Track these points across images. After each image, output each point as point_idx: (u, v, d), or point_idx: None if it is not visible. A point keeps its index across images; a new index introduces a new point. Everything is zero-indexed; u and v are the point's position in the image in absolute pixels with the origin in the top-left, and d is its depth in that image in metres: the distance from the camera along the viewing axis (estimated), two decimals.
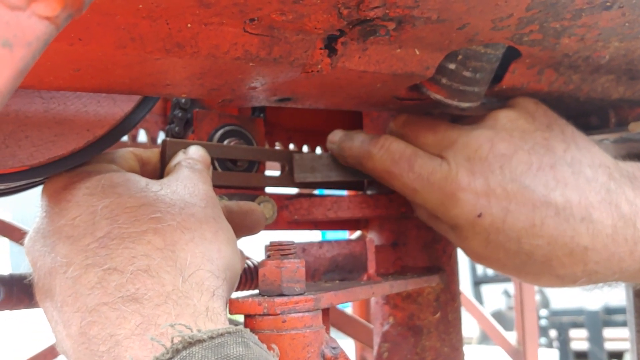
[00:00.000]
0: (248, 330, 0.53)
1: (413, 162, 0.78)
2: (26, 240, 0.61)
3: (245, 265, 0.87)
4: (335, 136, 0.86)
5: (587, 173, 0.76)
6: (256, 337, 0.53)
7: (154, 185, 0.61)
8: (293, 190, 0.94)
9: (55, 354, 1.65)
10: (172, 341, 0.48)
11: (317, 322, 0.60)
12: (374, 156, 0.80)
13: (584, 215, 0.74)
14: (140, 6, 0.51)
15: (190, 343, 0.48)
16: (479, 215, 0.76)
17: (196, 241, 0.57)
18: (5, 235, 1.67)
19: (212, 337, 0.49)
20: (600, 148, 0.80)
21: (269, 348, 0.55)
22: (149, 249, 0.54)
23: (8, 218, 1.70)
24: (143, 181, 0.61)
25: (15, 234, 1.66)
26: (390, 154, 0.79)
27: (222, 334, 0.49)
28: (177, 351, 0.47)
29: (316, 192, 1.11)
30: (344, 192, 1.13)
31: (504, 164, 0.76)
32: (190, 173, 0.66)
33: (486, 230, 0.76)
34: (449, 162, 0.77)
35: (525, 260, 0.76)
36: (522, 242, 0.75)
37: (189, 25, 0.55)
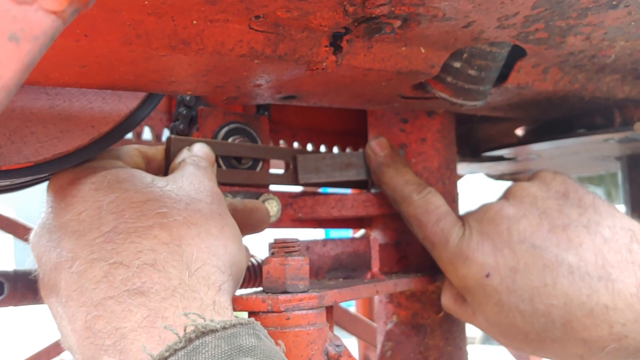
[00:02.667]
0: (258, 323, 0.53)
1: (442, 218, 0.81)
2: (31, 235, 0.61)
3: (249, 263, 0.87)
4: (382, 151, 0.87)
5: (605, 234, 0.75)
6: (265, 330, 0.54)
7: (160, 181, 0.61)
8: (297, 188, 0.94)
9: (59, 351, 1.66)
10: (185, 330, 0.48)
11: (321, 320, 0.60)
12: (413, 202, 0.83)
13: (601, 274, 0.73)
14: (146, 3, 0.51)
15: (203, 332, 0.48)
16: (487, 275, 0.77)
17: (202, 236, 0.57)
18: (9, 231, 1.68)
19: (225, 328, 0.49)
20: (626, 215, 0.79)
21: (275, 344, 0.55)
22: (155, 243, 0.54)
23: (12, 214, 1.71)
24: (149, 177, 0.62)
25: (19, 230, 1.67)
26: (426, 204, 0.82)
27: (234, 325, 0.50)
28: (190, 340, 0.47)
29: (320, 190, 1.11)
30: (348, 191, 1.13)
31: (511, 226, 0.78)
32: (196, 170, 0.66)
33: (497, 290, 0.76)
34: (464, 226, 0.81)
35: (545, 323, 0.75)
36: (536, 301, 0.74)
37: (194, 22, 0.55)
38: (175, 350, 0.47)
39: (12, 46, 0.27)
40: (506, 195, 0.83)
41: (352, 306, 2.06)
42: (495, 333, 0.81)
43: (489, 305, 0.78)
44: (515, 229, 0.77)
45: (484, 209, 0.81)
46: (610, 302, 0.72)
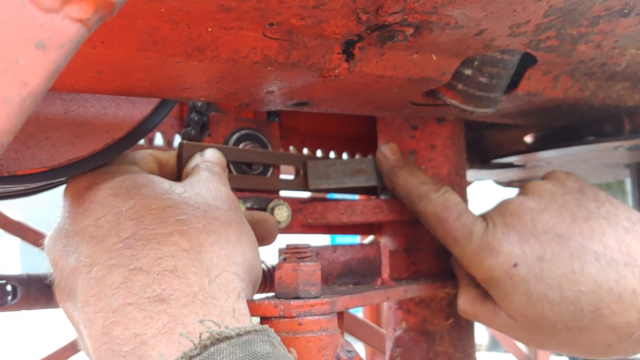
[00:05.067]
0: (272, 330, 0.53)
1: (463, 213, 0.82)
2: (46, 240, 0.61)
3: None
4: (393, 155, 0.88)
5: (625, 224, 0.78)
6: (279, 337, 0.54)
7: (178, 188, 0.62)
8: (307, 194, 0.94)
9: (67, 355, 1.66)
10: (200, 337, 0.48)
11: (332, 325, 0.60)
12: (432, 200, 0.83)
13: (627, 261, 0.75)
14: (162, 10, 0.51)
15: (218, 339, 0.48)
16: (515, 265, 0.77)
17: (221, 244, 0.57)
18: (16, 234, 1.68)
19: (239, 334, 0.49)
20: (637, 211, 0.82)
21: (288, 351, 0.55)
22: (175, 250, 0.55)
23: (19, 218, 1.71)
24: (166, 183, 0.62)
25: (26, 233, 1.67)
26: (445, 201, 0.83)
27: (249, 332, 0.50)
28: (205, 347, 0.47)
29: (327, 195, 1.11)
30: (357, 197, 1.13)
31: (535, 217, 0.79)
32: (211, 176, 0.66)
33: (524, 280, 0.77)
34: (487, 219, 0.82)
35: (573, 311, 0.76)
36: (564, 289, 0.75)
37: (209, 29, 0.55)
38: (191, 357, 0.47)
39: (39, 53, 0.27)
40: (523, 192, 0.84)
41: (359, 312, 2.06)
42: (520, 328, 0.81)
43: (516, 296, 0.78)
44: (539, 220, 0.79)
45: (505, 203, 0.83)
46: (638, 287, 0.73)
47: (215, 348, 0.48)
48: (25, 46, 0.27)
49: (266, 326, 0.53)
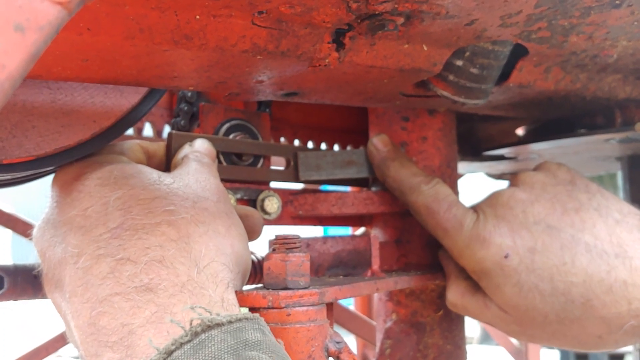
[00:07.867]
0: (262, 318, 0.53)
1: (453, 205, 0.82)
2: (35, 230, 0.61)
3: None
4: (384, 146, 0.87)
5: (616, 216, 0.78)
6: (268, 326, 0.54)
7: (166, 178, 0.61)
8: (298, 186, 0.94)
9: (57, 347, 1.66)
10: (190, 324, 0.48)
11: (321, 316, 0.60)
12: (423, 192, 0.83)
13: (617, 252, 0.75)
14: None
15: (209, 326, 0.48)
16: (506, 256, 0.77)
17: (210, 234, 0.57)
18: (7, 226, 1.68)
19: (230, 322, 0.49)
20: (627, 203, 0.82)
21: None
22: (163, 240, 0.54)
23: (11, 210, 1.70)
24: (155, 174, 0.61)
25: (17, 225, 1.66)
26: (436, 193, 0.83)
27: (240, 319, 0.50)
28: (196, 334, 0.47)
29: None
30: (348, 188, 1.13)
31: (526, 209, 0.79)
32: (200, 166, 0.66)
33: (516, 271, 0.77)
34: (478, 211, 0.82)
35: (564, 302, 0.76)
36: (555, 280, 0.75)
37: (197, 17, 0.55)
38: (182, 344, 0.47)
39: (18, 36, 0.27)
40: (515, 183, 0.84)
41: (351, 305, 2.06)
42: (511, 321, 0.81)
43: (507, 287, 0.78)
44: (530, 211, 0.79)
45: (495, 195, 0.83)
46: (628, 278, 0.73)
47: (207, 335, 0.47)
48: (2, 28, 0.26)
49: (257, 315, 0.53)
